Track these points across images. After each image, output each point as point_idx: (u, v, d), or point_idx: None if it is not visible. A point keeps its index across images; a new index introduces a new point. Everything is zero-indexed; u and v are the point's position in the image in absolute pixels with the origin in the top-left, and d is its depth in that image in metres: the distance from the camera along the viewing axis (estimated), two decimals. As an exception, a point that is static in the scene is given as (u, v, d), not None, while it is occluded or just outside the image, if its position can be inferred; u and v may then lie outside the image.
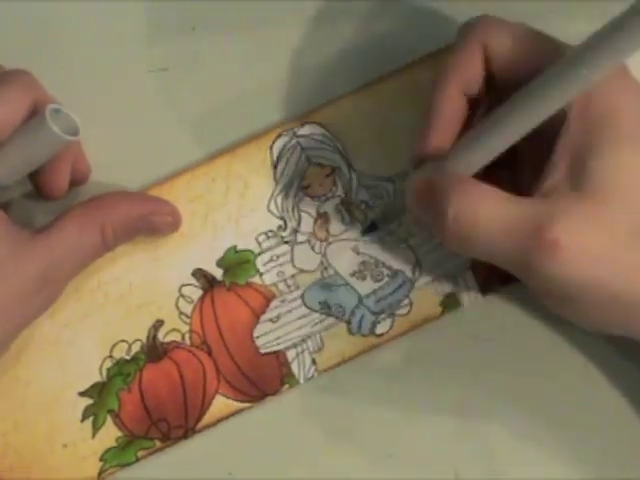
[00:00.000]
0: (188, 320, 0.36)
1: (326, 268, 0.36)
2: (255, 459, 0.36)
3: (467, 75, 0.31)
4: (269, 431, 0.36)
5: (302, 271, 0.36)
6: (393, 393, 0.36)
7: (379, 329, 0.35)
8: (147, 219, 0.35)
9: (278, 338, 0.36)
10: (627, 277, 0.28)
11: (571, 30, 0.37)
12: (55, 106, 0.32)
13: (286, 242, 0.36)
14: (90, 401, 0.35)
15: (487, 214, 0.29)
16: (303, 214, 0.36)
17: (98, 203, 0.34)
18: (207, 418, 0.35)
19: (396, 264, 0.36)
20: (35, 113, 0.32)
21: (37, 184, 0.35)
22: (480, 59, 0.31)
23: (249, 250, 0.36)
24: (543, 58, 0.29)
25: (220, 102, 0.38)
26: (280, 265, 0.36)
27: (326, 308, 0.36)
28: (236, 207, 0.36)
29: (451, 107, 0.31)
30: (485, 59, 0.31)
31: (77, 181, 0.36)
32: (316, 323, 0.36)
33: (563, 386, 0.35)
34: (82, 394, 0.35)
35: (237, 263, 0.36)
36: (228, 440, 0.36)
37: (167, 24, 0.39)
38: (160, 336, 0.36)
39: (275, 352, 0.35)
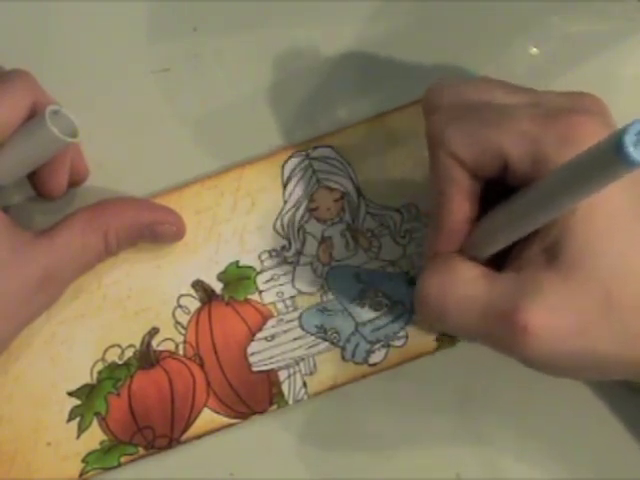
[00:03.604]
0: (183, 331, 0.36)
1: (326, 292, 0.36)
2: (254, 460, 0.36)
3: (460, 186, 0.29)
4: (269, 434, 0.36)
5: (302, 293, 0.36)
6: (393, 393, 0.36)
7: (373, 358, 0.35)
8: (152, 227, 0.34)
9: (271, 357, 0.36)
10: (598, 349, 0.28)
11: (571, 30, 0.38)
12: (55, 107, 0.32)
13: (289, 263, 0.36)
14: (78, 402, 0.35)
15: (456, 293, 0.29)
16: (308, 236, 0.36)
17: (104, 208, 0.34)
18: (193, 430, 0.35)
19: (395, 295, 0.36)
20: (35, 114, 0.32)
21: (35, 184, 0.35)
22: (460, 170, 0.29)
23: (251, 267, 0.36)
24: (505, 146, 0.28)
25: (223, 103, 0.38)
26: (280, 285, 0.36)
27: (322, 332, 0.36)
28: (242, 223, 0.36)
29: (458, 213, 0.30)
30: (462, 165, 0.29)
31: (75, 181, 0.36)
32: (311, 346, 0.36)
33: (563, 386, 0.35)
34: (71, 394, 0.35)
35: (238, 279, 0.36)
36: (220, 444, 0.36)
37: (168, 24, 0.39)
38: (154, 344, 0.36)
39: (267, 371, 0.35)
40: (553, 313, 0.27)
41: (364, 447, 0.36)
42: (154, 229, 0.35)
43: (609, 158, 0.20)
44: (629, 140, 0.19)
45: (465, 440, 0.36)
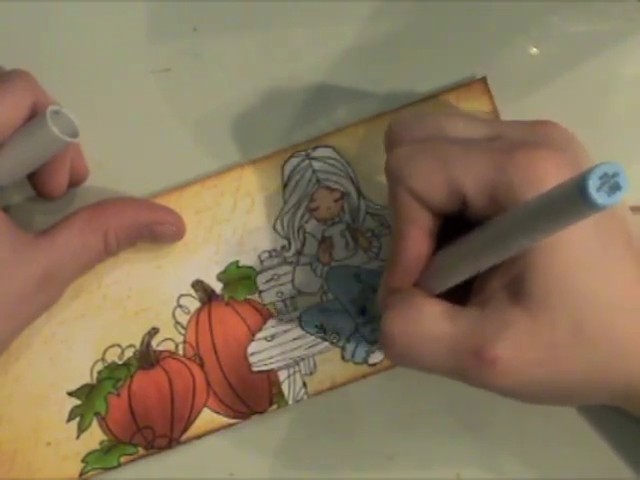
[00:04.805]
0: (183, 331, 0.36)
1: (326, 292, 0.36)
2: (254, 460, 0.36)
3: (417, 223, 0.29)
4: (269, 434, 0.36)
5: (302, 293, 0.36)
6: (393, 393, 0.36)
7: (372, 359, 0.35)
8: (151, 227, 0.34)
9: (271, 357, 0.36)
10: (567, 379, 0.28)
11: (571, 30, 0.38)
12: (55, 107, 0.32)
13: (288, 263, 0.36)
14: (78, 402, 0.35)
15: (422, 331, 0.28)
16: (308, 236, 0.36)
17: (103, 208, 0.34)
18: (193, 430, 0.35)
19: (396, 295, 0.36)
20: (35, 114, 0.33)
21: (36, 184, 0.35)
22: (418, 207, 0.29)
23: (251, 267, 0.36)
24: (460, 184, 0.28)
25: (223, 103, 0.38)
26: (280, 285, 0.36)
27: (322, 332, 0.36)
28: (242, 223, 0.36)
29: (413, 251, 0.29)
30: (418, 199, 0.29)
31: (75, 181, 0.36)
32: (311, 346, 0.36)
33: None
34: (70, 394, 0.35)
35: (237, 279, 0.36)
36: (220, 444, 0.36)
37: (168, 24, 0.38)
38: (154, 344, 0.36)
39: (267, 371, 0.35)
40: (521, 348, 0.27)
41: (364, 447, 0.36)
42: (154, 229, 0.35)
43: (573, 200, 0.20)
44: (592, 184, 0.19)
45: (465, 440, 0.36)
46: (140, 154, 0.37)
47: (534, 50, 0.38)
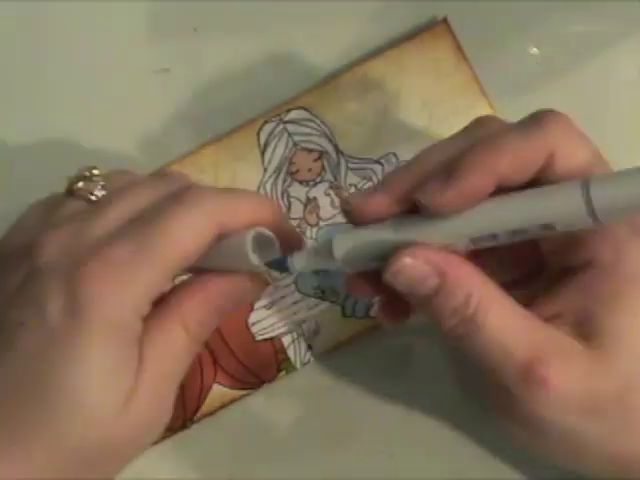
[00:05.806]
0: (182, 310, 0.36)
1: (318, 253, 0.36)
2: (254, 458, 0.36)
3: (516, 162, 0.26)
4: (268, 429, 0.36)
5: (294, 257, 0.36)
6: (394, 392, 0.35)
7: (374, 311, 0.35)
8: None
9: (273, 324, 0.35)
10: (611, 437, 0.27)
11: (571, 30, 0.37)
12: (258, 231, 0.27)
13: (277, 228, 0.36)
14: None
15: (492, 320, 0.26)
16: (293, 200, 0.36)
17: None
18: (205, 407, 0.35)
19: (388, 245, 0.35)
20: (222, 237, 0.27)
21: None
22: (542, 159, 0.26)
23: (240, 238, 0.36)
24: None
25: (221, 102, 0.38)
26: (272, 252, 0.36)
27: (320, 292, 0.35)
28: (226, 196, 0.36)
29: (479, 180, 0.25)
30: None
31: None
32: (310, 308, 0.35)
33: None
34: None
35: (229, 251, 0.36)
36: (226, 439, 0.36)
37: (168, 24, 0.39)
38: (155, 327, 0.36)
39: (271, 339, 0.35)
40: (577, 380, 0.26)
41: (364, 447, 0.35)
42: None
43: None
44: None
45: (465, 440, 0.35)
46: (142, 156, 0.38)
47: (534, 50, 0.38)
